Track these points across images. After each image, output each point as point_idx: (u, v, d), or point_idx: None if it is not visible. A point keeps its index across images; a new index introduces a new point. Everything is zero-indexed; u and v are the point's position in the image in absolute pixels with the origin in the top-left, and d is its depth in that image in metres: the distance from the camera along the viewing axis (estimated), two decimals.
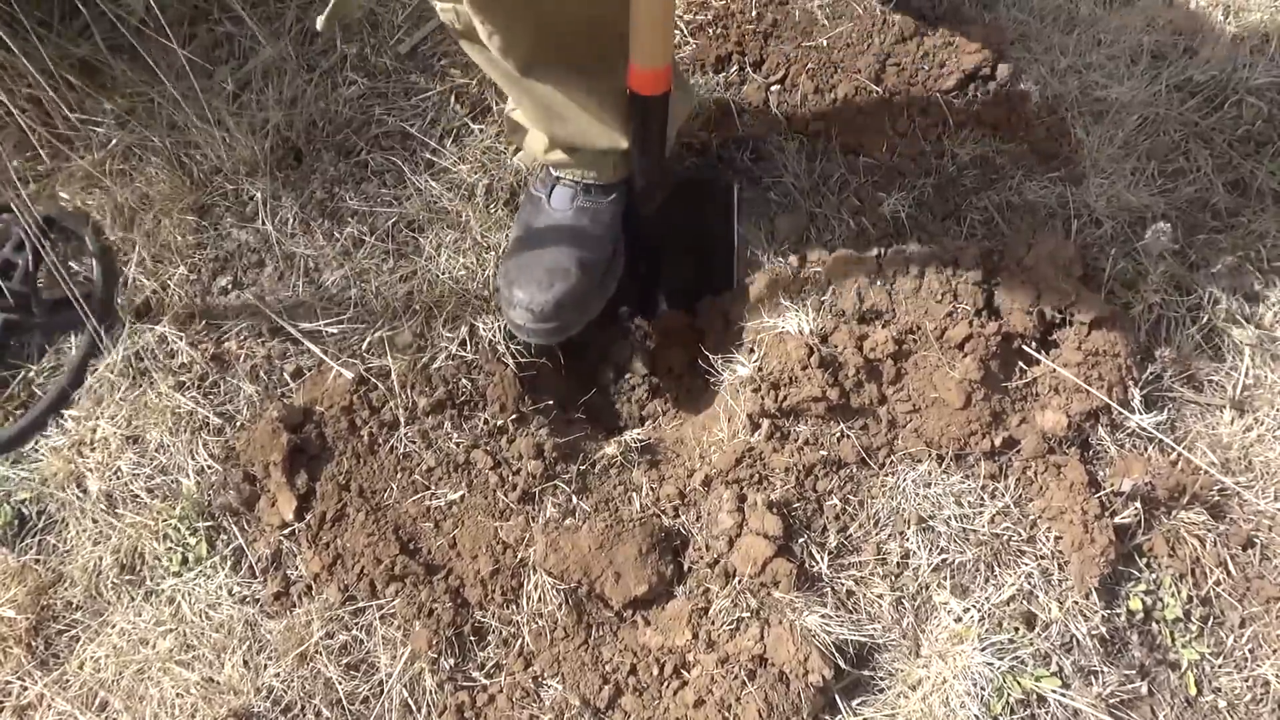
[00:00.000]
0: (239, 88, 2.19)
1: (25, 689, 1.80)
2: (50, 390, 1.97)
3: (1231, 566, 1.80)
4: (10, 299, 1.98)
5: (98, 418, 1.94)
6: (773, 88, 2.17)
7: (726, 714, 1.63)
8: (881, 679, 1.73)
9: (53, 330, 2.02)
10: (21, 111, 1.91)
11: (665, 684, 1.70)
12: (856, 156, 2.09)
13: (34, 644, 1.83)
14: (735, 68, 2.21)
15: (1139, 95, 2.13)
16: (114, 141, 2.10)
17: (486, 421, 1.89)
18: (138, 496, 1.88)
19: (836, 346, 1.84)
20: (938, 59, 2.15)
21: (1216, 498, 1.81)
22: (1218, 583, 1.79)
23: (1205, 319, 1.96)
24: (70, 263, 2.08)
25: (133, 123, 2.13)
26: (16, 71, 1.90)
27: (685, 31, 2.24)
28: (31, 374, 2.02)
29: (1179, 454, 1.83)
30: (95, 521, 1.88)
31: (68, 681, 1.79)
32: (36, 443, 1.96)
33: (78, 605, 1.85)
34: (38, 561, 1.90)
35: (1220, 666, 1.77)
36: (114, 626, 1.81)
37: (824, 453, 1.82)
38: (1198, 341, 1.95)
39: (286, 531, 1.81)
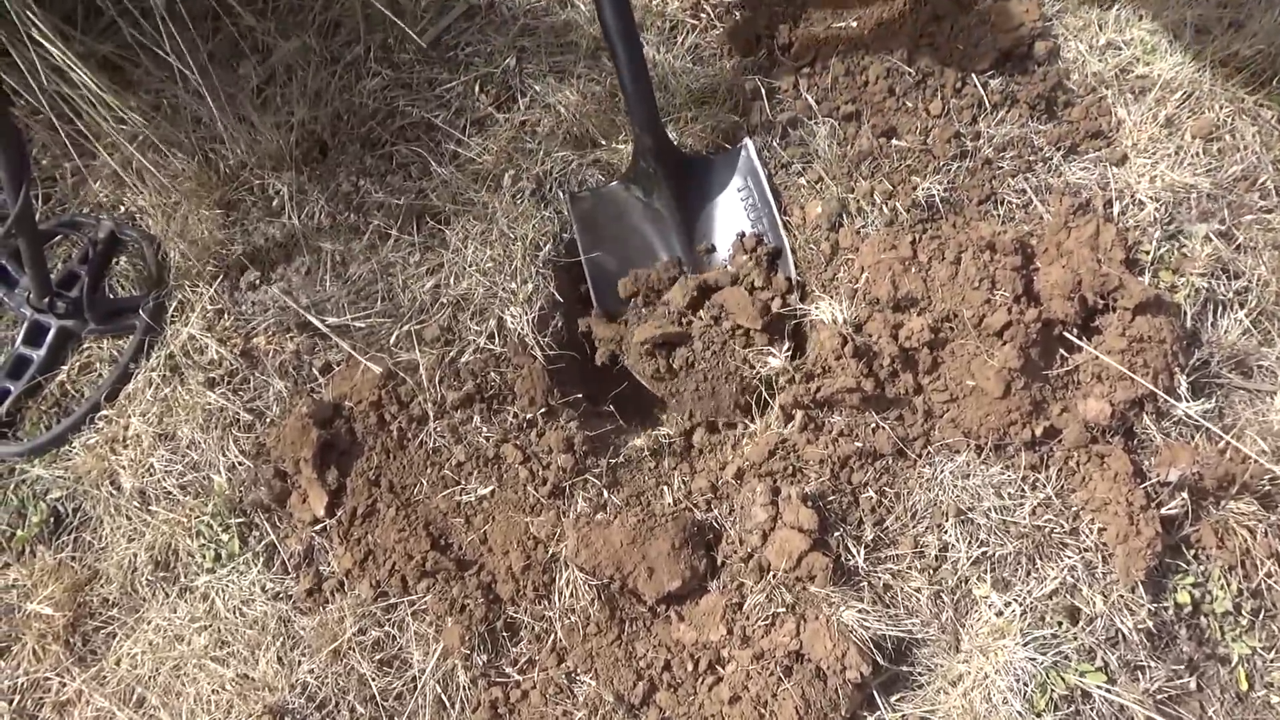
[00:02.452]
0: (263, 82, 2.18)
1: (64, 685, 1.81)
2: (101, 390, 1.98)
3: None
4: (68, 308, 2.01)
5: (130, 415, 1.94)
6: (803, 70, 2.12)
7: (763, 711, 1.61)
8: (920, 674, 1.69)
9: (103, 337, 2.04)
10: (49, 110, 1.91)
11: (700, 680, 1.68)
12: (889, 139, 2.04)
13: (72, 641, 1.85)
14: (764, 51, 2.16)
15: (1182, 71, 2.06)
16: (140, 139, 2.10)
17: (516, 415, 1.87)
18: (170, 493, 1.88)
19: (871, 335, 1.80)
20: (972, 38, 2.08)
21: (1267, 487, 1.76)
22: (1269, 574, 1.74)
23: (1254, 302, 1.90)
24: (128, 274, 2.11)
25: (158, 119, 2.12)
26: (42, 71, 1.90)
27: (713, 14, 2.20)
28: (77, 378, 2.04)
29: (1228, 442, 1.78)
30: (129, 519, 1.89)
31: (105, 678, 1.81)
32: (70, 441, 1.97)
33: (114, 602, 1.86)
34: (74, 559, 1.91)
35: (1273, 661, 1.72)
36: (150, 623, 1.82)
37: (859, 444, 1.79)
38: (1246, 326, 1.89)
39: (318, 528, 1.81)
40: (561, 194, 2.06)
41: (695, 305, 1.94)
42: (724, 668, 1.68)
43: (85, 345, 2.06)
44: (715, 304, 1.92)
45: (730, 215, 2.06)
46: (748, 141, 2.05)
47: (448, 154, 2.11)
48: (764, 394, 1.87)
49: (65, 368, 2.04)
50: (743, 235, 2.03)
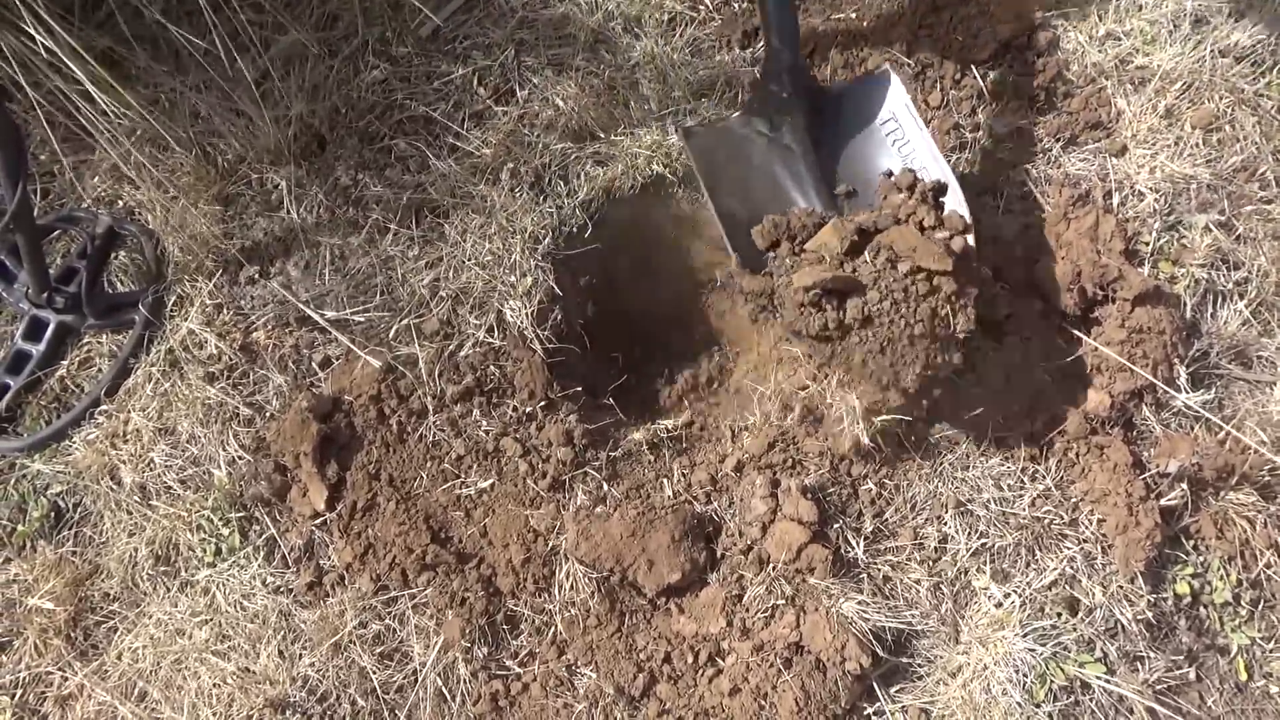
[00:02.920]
0: (261, 76, 2.17)
1: (66, 679, 1.82)
2: (101, 386, 1.98)
3: None
4: (67, 303, 2.01)
5: (130, 410, 1.94)
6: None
7: (762, 702, 1.61)
8: (920, 666, 1.70)
9: (102, 332, 2.04)
10: (47, 104, 1.91)
11: (700, 672, 1.68)
12: None
13: (73, 635, 1.85)
14: (762, 43, 2.15)
15: (1182, 61, 2.05)
16: (139, 132, 2.10)
17: (515, 409, 1.87)
18: (171, 488, 1.88)
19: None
20: (972, 29, 2.08)
21: (1267, 478, 1.76)
22: (1269, 565, 1.74)
23: (1254, 293, 1.90)
24: (126, 269, 2.11)
25: (156, 113, 2.12)
26: (40, 65, 1.90)
27: (711, 7, 2.20)
28: (77, 373, 2.04)
29: (1227, 433, 1.77)
30: (130, 513, 1.89)
31: (107, 672, 1.81)
32: (70, 436, 1.97)
33: (115, 596, 1.87)
34: (74, 554, 1.91)
35: (1272, 651, 1.72)
36: (151, 617, 1.83)
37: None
38: (1246, 317, 1.88)
39: (318, 521, 1.81)
40: (674, 129, 1.91)
41: (855, 251, 1.62)
42: (724, 660, 1.68)
43: (85, 340, 2.06)
44: (882, 246, 1.58)
45: (874, 153, 1.80)
46: (888, 68, 1.84)
47: (446, 147, 2.11)
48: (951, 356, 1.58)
49: (65, 363, 2.04)
50: (891, 174, 1.76)
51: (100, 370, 2.02)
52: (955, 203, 1.70)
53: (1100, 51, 2.09)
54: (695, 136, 1.85)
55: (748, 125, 1.85)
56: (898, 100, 1.80)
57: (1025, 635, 1.64)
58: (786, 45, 1.74)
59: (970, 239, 1.61)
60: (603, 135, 2.10)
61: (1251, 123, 2.01)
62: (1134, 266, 1.85)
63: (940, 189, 1.71)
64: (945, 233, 1.62)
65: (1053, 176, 1.99)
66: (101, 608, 1.87)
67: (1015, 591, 1.69)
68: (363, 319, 1.94)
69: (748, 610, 1.69)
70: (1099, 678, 1.63)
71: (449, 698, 1.70)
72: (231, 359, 1.93)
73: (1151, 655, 1.68)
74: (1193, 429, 1.80)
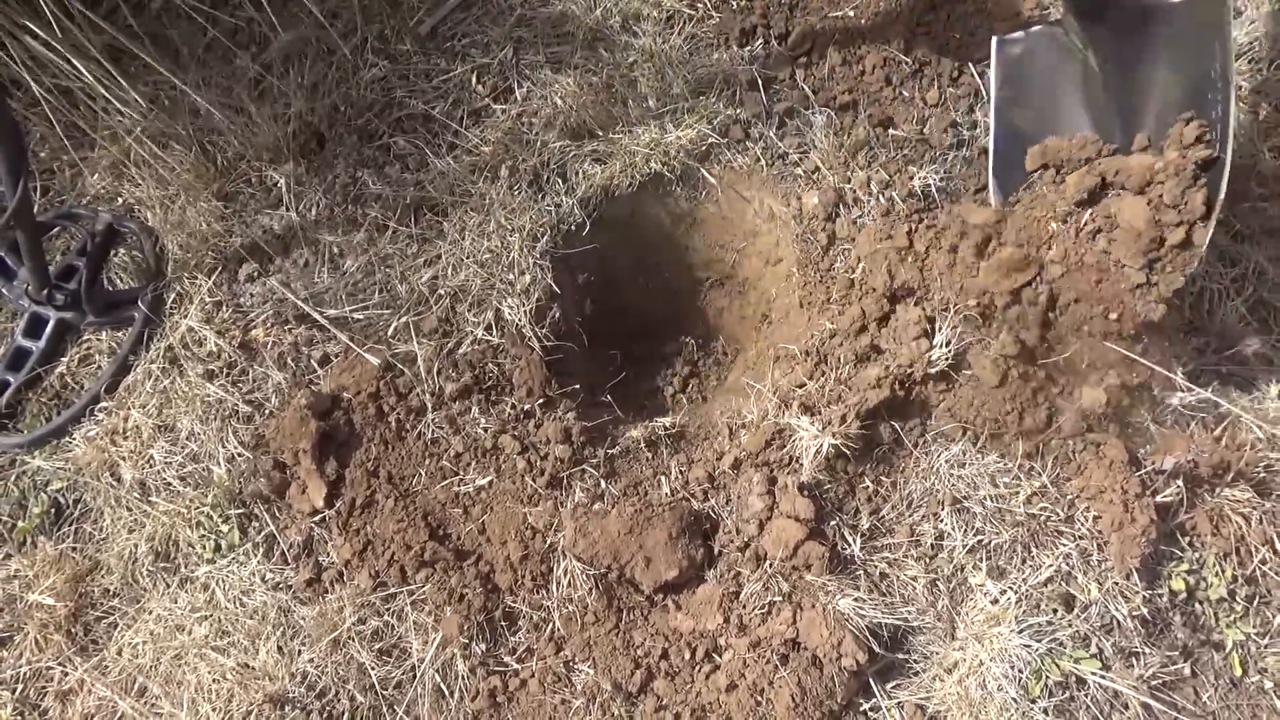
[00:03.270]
0: (260, 73, 2.18)
1: (66, 675, 1.83)
2: (101, 382, 1.99)
3: (1278, 544, 1.75)
4: (66, 300, 2.02)
5: (130, 407, 1.95)
6: (799, 60, 2.12)
7: (759, 698, 1.62)
8: (916, 662, 1.70)
9: (102, 329, 2.05)
10: (47, 101, 1.92)
11: (697, 668, 1.69)
12: (886, 129, 2.04)
13: (74, 630, 1.86)
14: (760, 41, 2.16)
15: None
16: (138, 130, 2.10)
17: (514, 406, 1.88)
18: (170, 484, 1.89)
19: None
20: (969, 27, 2.08)
21: (1262, 474, 1.76)
22: (1264, 561, 1.75)
23: (1251, 290, 1.90)
24: (126, 266, 2.12)
25: (156, 111, 2.13)
26: (41, 61, 1.90)
27: (709, 4, 2.20)
28: (77, 370, 2.04)
29: (1223, 429, 1.78)
30: (130, 510, 1.90)
31: (107, 667, 1.82)
32: (70, 433, 1.98)
33: (115, 592, 1.87)
34: (75, 549, 1.92)
35: (1267, 646, 1.72)
36: (151, 613, 1.83)
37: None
38: (1243, 313, 1.89)
39: (317, 518, 1.82)
40: (993, 41, 1.80)
41: (1090, 200, 1.55)
42: (721, 656, 1.69)
43: (84, 337, 2.06)
44: (1104, 213, 1.51)
45: (1185, 91, 1.58)
46: None
47: (445, 145, 2.12)
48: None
49: (65, 360, 2.05)
50: (1187, 121, 1.57)
51: (100, 367, 2.03)
52: (1214, 184, 1.54)
53: None
54: (1008, 46, 1.74)
55: (1064, 36, 1.73)
56: (1223, 32, 1.54)
57: (1021, 631, 1.65)
58: None
59: (1202, 230, 1.51)
60: (601, 133, 2.10)
61: (1249, 120, 2.02)
62: None
63: (1209, 163, 1.55)
64: (1176, 216, 1.51)
65: None
66: (101, 603, 1.88)
67: (1011, 588, 1.70)
68: (362, 316, 1.94)
69: (745, 607, 1.70)
70: (1094, 673, 1.64)
71: (447, 694, 1.71)
72: (231, 356, 1.94)
73: (1146, 651, 1.68)
74: (1189, 425, 1.80)
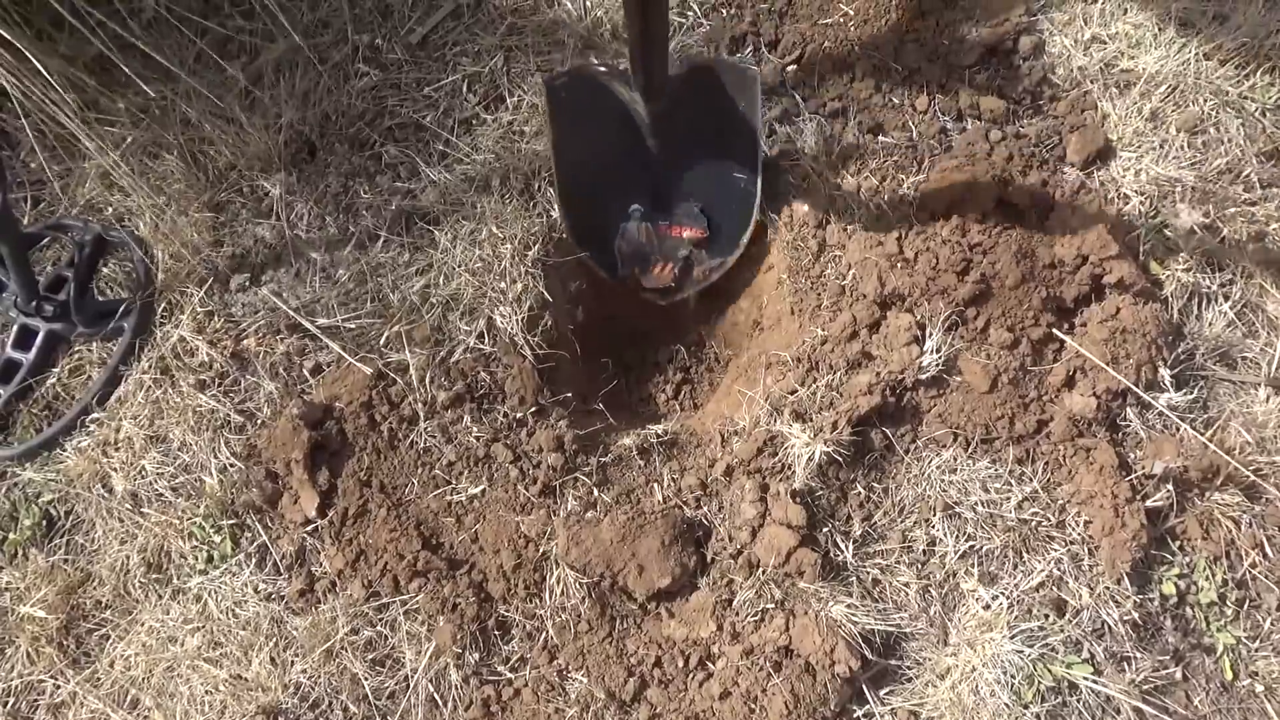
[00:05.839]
0: (251, 83, 2.18)
1: (58, 687, 1.82)
2: (91, 393, 1.98)
3: (1268, 548, 1.76)
4: (56, 311, 2.02)
5: (121, 418, 1.94)
6: (789, 68, 2.13)
7: (752, 705, 1.62)
8: (909, 668, 1.71)
9: (92, 340, 2.04)
10: (36, 112, 1.91)
11: (690, 676, 1.69)
12: (875, 136, 2.05)
13: (65, 643, 1.86)
14: (750, 48, 2.17)
15: (1167, 65, 2.07)
16: (129, 140, 2.10)
17: (506, 414, 1.88)
18: (162, 495, 1.89)
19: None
20: (958, 34, 2.09)
21: (1251, 478, 1.77)
22: (1253, 565, 1.76)
23: (1239, 294, 1.92)
24: (116, 277, 2.11)
25: (146, 121, 2.12)
26: (30, 72, 1.90)
27: (699, 12, 2.20)
28: (68, 381, 2.04)
29: (1212, 434, 1.79)
30: (121, 521, 1.89)
31: (99, 680, 1.82)
32: (62, 444, 1.97)
33: (107, 604, 1.87)
34: (66, 561, 1.92)
35: (1257, 650, 1.73)
36: (143, 625, 1.83)
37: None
38: (1231, 318, 1.90)
39: (309, 528, 1.82)
40: (542, 80, 1.97)
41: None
42: (714, 664, 1.69)
43: (75, 348, 2.06)
44: None
45: (713, 164, 1.91)
46: (756, 71, 1.90)
47: (436, 154, 2.12)
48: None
49: (55, 371, 2.05)
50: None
51: (91, 378, 2.03)
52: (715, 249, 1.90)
53: (1085, 55, 2.11)
54: (556, 87, 1.92)
55: (617, 81, 1.91)
56: (752, 96, 1.88)
57: (1013, 637, 1.65)
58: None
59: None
60: None
61: (1236, 125, 2.03)
62: (1119, 269, 1.86)
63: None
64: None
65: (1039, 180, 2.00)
66: (93, 615, 1.87)
67: (1003, 593, 1.70)
68: (353, 326, 1.94)
69: (737, 614, 1.70)
70: (1086, 678, 1.64)
71: (441, 703, 1.71)
72: (222, 366, 1.94)
73: (1138, 655, 1.69)
74: (1178, 430, 1.81)
